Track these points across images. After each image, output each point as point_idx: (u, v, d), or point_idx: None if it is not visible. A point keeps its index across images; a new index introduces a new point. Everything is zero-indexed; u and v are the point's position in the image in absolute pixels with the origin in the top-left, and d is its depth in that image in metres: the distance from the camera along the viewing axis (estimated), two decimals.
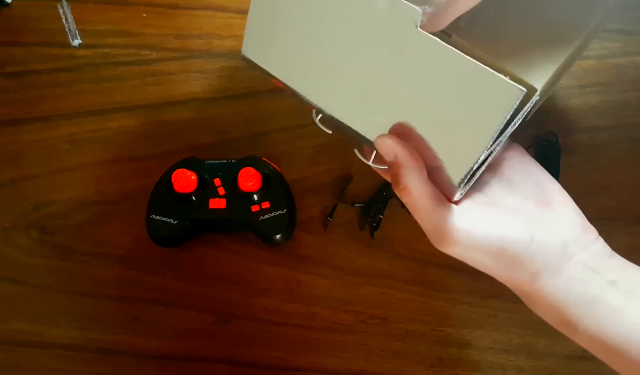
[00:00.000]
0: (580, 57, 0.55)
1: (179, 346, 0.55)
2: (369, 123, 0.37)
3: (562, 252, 0.36)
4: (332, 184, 0.57)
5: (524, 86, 0.32)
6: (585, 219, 0.39)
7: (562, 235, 0.36)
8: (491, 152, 0.35)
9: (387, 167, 0.37)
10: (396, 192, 0.36)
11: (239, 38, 0.60)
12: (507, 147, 0.41)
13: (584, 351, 0.52)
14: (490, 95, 0.32)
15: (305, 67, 0.39)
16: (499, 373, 0.53)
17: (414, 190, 0.35)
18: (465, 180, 0.35)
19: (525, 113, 0.35)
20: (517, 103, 0.31)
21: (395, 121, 0.36)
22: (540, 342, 0.53)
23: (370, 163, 0.39)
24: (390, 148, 0.35)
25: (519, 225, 0.36)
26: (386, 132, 0.36)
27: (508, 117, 0.32)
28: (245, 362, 0.54)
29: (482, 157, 0.34)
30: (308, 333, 0.54)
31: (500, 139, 0.34)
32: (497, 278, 0.38)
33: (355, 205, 0.56)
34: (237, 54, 0.59)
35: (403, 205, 0.55)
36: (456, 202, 0.36)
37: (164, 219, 0.54)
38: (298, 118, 0.58)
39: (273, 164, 0.55)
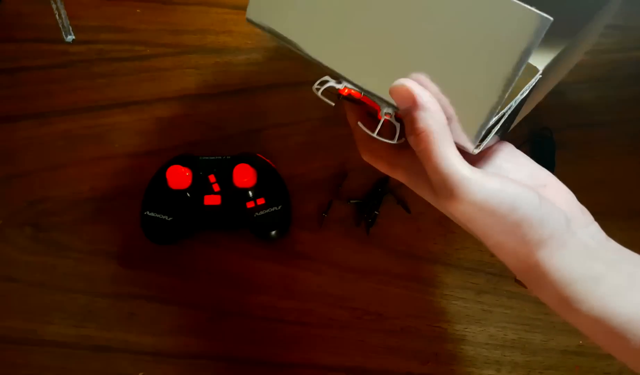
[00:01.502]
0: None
1: (175, 343, 0.55)
2: (379, 78, 0.35)
3: (566, 226, 0.35)
4: (327, 180, 0.57)
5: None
6: (580, 203, 0.38)
7: (565, 211, 0.36)
8: (504, 114, 0.34)
9: (391, 141, 0.36)
10: (410, 141, 0.34)
11: (233, 33, 0.60)
12: (496, 143, 0.40)
13: (580, 346, 0.52)
14: (510, 24, 0.30)
15: (309, 22, 0.37)
16: (494, 368, 0.53)
17: (433, 134, 0.33)
18: (484, 132, 0.33)
19: (530, 88, 0.34)
20: (539, 31, 0.30)
21: (408, 72, 0.34)
22: (536, 337, 0.53)
23: (374, 135, 0.37)
24: (408, 91, 0.33)
25: (529, 189, 0.34)
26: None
27: (530, 46, 0.30)
28: (241, 358, 0.54)
29: (497, 115, 0.33)
30: (304, 329, 0.54)
31: (511, 104, 0.34)
32: (499, 248, 0.36)
33: (351, 201, 0.56)
34: (231, 49, 0.59)
35: (399, 202, 0.56)
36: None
37: (159, 215, 0.53)
38: (293, 114, 0.58)
39: (268, 160, 0.55)
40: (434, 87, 0.34)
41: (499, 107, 0.32)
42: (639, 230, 0.54)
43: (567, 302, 0.35)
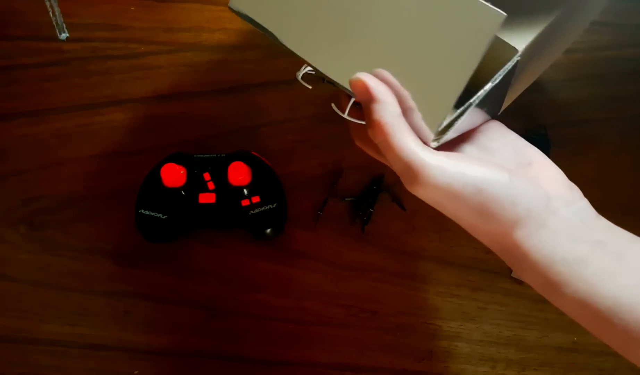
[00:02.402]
0: (569, 48, 0.55)
1: (170, 341, 0.55)
2: (347, 71, 0.36)
3: (546, 204, 0.34)
4: (322, 178, 0.57)
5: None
6: (569, 180, 0.37)
7: (545, 188, 0.35)
8: (470, 104, 0.34)
9: (362, 122, 0.36)
10: (370, 134, 0.35)
11: (228, 31, 0.59)
12: (485, 122, 0.40)
13: (574, 343, 0.52)
14: (470, 23, 0.31)
15: (285, 14, 0.39)
16: (489, 365, 0.53)
17: (387, 125, 0.33)
18: (444, 124, 0.34)
19: (506, 71, 0.35)
20: (497, 29, 0.31)
21: (372, 64, 0.36)
22: (530, 334, 0.53)
23: (345, 115, 0.38)
24: (363, 85, 0.34)
25: (498, 169, 0.34)
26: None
27: (487, 45, 0.31)
28: (236, 356, 0.54)
29: (463, 107, 0.34)
30: (299, 327, 0.54)
31: (479, 94, 0.34)
32: (475, 231, 0.36)
33: (346, 199, 0.56)
34: (226, 47, 0.59)
35: (394, 199, 0.56)
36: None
37: (153, 214, 0.53)
38: (288, 112, 0.58)
39: (263, 158, 0.55)
40: (395, 82, 0.35)
41: (455, 102, 0.33)
42: (634, 227, 0.54)
43: (551, 284, 0.34)
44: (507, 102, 0.41)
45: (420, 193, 0.34)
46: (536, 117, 0.55)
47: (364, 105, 0.35)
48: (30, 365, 0.55)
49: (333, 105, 0.39)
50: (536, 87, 0.56)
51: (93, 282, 0.56)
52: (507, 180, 0.34)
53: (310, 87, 0.40)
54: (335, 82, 0.37)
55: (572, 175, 0.41)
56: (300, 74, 0.39)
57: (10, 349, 0.55)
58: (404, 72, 0.35)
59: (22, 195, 0.58)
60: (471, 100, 0.34)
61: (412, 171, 0.33)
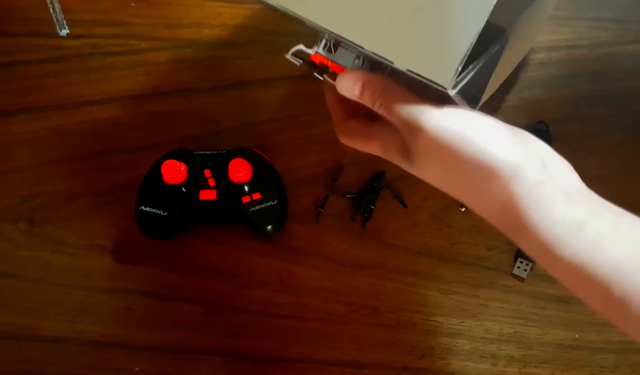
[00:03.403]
0: (572, 44, 0.55)
1: (170, 338, 0.54)
2: (355, 23, 0.36)
3: (541, 167, 0.34)
4: (323, 174, 0.56)
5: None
6: (561, 156, 0.37)
7: (539, 155, 0.35)
8: (485, 54, 0.36)
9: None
10: (376, 109, 0.37)
11: (229, 27, 0.59)
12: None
13: (575, 340, 0.52)
14: None
15: None
16: (490, 362, 0.53)
17: (384, 93, 0.36)
18: (459, 73, 0.34)
19: (505, 40, 0.36)
20: None
21: (383, 15, 0.36)
22: (532, 331, 0.53)
23: (325, 77, 0.40)
24: (352, 83, 0.37)
25: (496, 125, 0.35)
26: (373, 33, 0.36)
27: None
28: (236, 353, 0.54)
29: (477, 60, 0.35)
30: (299, 324, 0.54)
31: (489, 50, 0.35)
32: (469, 192, 0.36)
33: (347, 196, 0.56)
34: (227, 43, 0.59)
35: (395, 196, 0.55)
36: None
37: (154, 210, 0.53)
38: (289, 108, 0.57)
39: (264, 155, 0.55)
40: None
41: (476, 36, 0.33)
42: None
43: (548, 248, 0.33)
44: (491, 89, 0.41)
45: (422, 142, 0.34)
46: (538, 113, 0.55)
47: (362, 98, 0.37)
48: (30, 362, 0.55)
49: (325, 76, 0.40)
50: (538, 83, 0.56)
51: (93, 278, 0.55)
52: (506, 131, 0.34)
53: (298, 64, 0.41)
54: (345, 38, 0.37)
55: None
56: (289, 54, 0.40)
57: (11, 346, 0.55)
58: (421, 10, 0.34)
59: (23, 191, 0.57)
60: (487, 51, 0.35)
61: (414, 117, 0.34)
